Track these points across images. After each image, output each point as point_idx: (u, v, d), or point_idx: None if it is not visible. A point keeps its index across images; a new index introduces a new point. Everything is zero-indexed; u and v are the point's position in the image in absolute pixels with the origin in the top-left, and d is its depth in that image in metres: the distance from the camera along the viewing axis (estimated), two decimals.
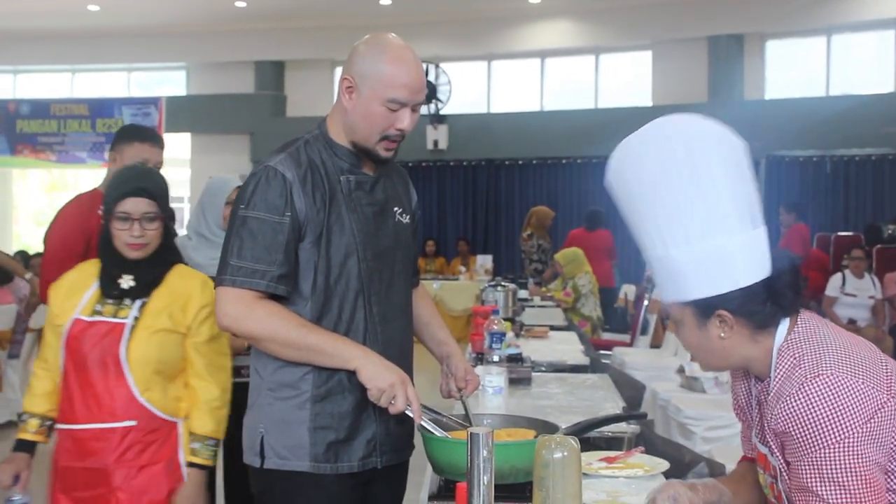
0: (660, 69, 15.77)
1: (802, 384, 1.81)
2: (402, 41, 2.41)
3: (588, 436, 2.96)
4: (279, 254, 2.28)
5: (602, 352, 7.36)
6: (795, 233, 10.60)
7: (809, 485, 1.80)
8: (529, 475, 1.84)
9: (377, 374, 2.24)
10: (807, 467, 1.80)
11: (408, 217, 2.57)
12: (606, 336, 9.58)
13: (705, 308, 1.92)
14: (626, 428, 3.12)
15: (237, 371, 4.27)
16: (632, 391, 4.68)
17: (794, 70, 15.40)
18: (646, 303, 9.41)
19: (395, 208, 2.52)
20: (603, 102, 16.19)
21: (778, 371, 1.90)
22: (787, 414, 1.82)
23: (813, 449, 1.78)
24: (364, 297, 2.39)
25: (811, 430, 1.78)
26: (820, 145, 14.28)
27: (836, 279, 9.57)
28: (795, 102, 14.48)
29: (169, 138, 16.85)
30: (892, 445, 1.82)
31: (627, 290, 11.13)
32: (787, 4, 14.42)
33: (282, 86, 17.59)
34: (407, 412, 2.25)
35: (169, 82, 18.75)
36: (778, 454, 1.91)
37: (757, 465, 2.08)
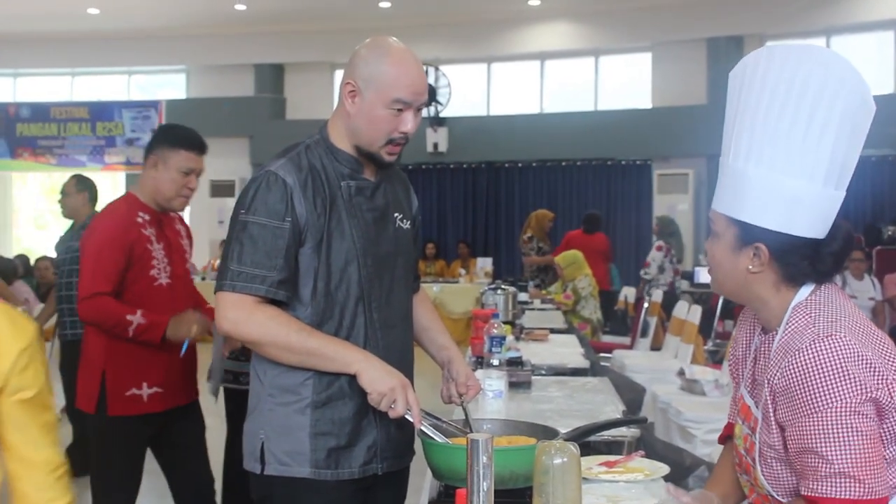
0: (659, 71, 15.77)
1: (814, 341, 1.80)
2: (402, 44, 2.41)
3: (588, 440, 2.96)
4: (279, 259, 2.28)
5: (602, 354, 7.36)
6: None
7: (811, 445, 1.78)
8: (529, 481, 1.84)
9: (377, 378, 2.24)
10: (809, 427, 1.78)
11: (408, 223, 2.57)
12: (607, 338, 9.60)
13: (750, 235, 1.91)
14: (626, 432, 3.11)
15: (236, 378, 4.27)
16: (632, 394, 4.68)
17: None
18: (646, 305, 9.42)
19: (396, 214, 2.52)
20: (602, 104, 16.19)
21: (789, 326, 1.89)
22: (793, 368, 1.81)
23: (817, 408, 1.77)
24: (364, 304, 2.38)
25: (816, 387, 1.77)
26: None
27: (830, 283, 9.57)
28: None
29: None
30: (892, 429, 1.82)
31: (627, 293, 11.13)
32: (787, 6, 14.42)
33: (281, 89, 17.59)
34: (407, 417, 2.25)
35: (169, 85, 18.74)
36: (770, 409, 1.89)
37: (738, 416, 2.07)
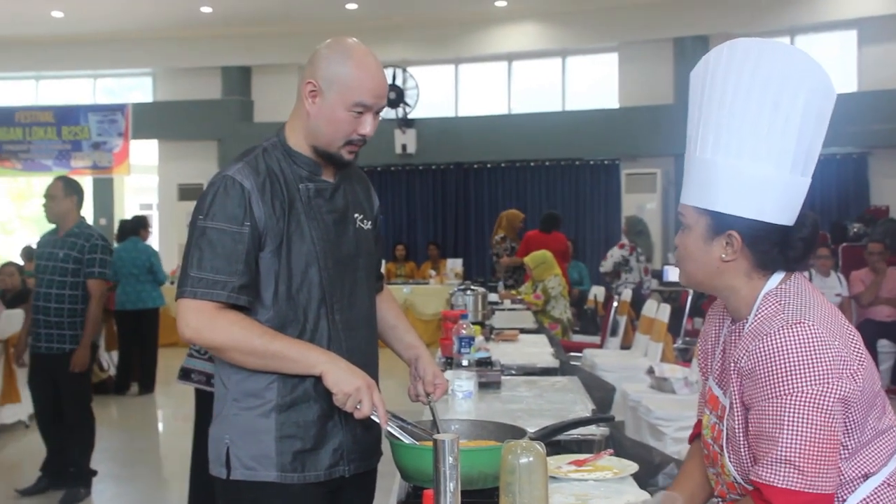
0: (626, 71, 15.84)
1: (782, 327, 1.82)
2: (364, 46, 2.40)
3: (558, 439, 2.96)
4: (239, 264, 2.26)
5: (573, 354, 7.38)
6: None
7: (766, 429, 1.80)
8: (498, 481, 1.84)
9: (343, 378, 2.22)
10: (768, 411, 1.80)
11: (369, 222, 2.56)
12: (577, 338, 9.62)
13: (721, 224, 1.92)
14: (595, 430, 3.12)
15: (208, 380, 4.25)
16: (602, 393, 4.69)
17: None
18: (615, 304, 9.46)
19: (356, 214, 2.51)
20: (570, 105, 16.25)
21: (759, 312, 1.91)
22: (760, 352, 1.82)
23: (777, 393, 1.78)
24: (327, 306, 2.37)
25: (781, 374, 1.78)
26: None
27: (800, 274, 9.63)
28: None
29: (136, 145, 16.60)
30: (856, 419, 1.84)
31: (597, 292, 11.16)
32: (752, 6, 14.55)
33: (249, 91, 17.52)
34: (373, 417, 2.23)
35: (135, 89, 18.62)
36: (735, 393, 1.90)
37: (705, 408, 2.09)
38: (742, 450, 1.92)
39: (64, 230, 5.82)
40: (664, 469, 3.51)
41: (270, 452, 2.32)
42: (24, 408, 7.74)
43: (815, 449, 1.76)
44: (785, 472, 1.77)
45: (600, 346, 9.18)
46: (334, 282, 2.39)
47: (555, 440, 2.90)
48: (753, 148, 1.88)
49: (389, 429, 2.27)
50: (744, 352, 1.88)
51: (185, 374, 4.37)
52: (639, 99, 15.34)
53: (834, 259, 10.12)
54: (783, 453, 1.77)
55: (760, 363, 1.82)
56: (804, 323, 1.82)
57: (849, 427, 1.84)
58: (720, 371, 2.05)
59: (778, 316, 1.87)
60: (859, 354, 1.86)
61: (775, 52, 1.91)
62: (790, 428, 1.77)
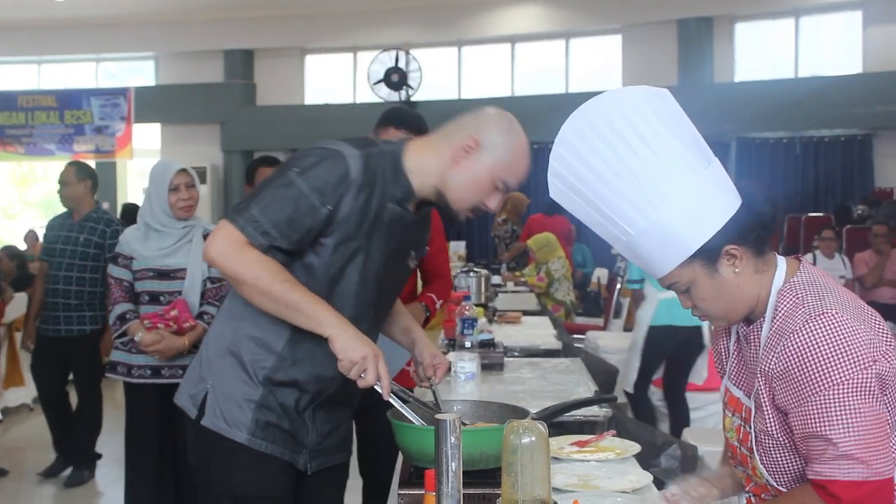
0: (630, 53, 15.79)
1: (806, 321, 1.81)
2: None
3: (561, 420, 2.97)
4: (297, 234, 2.23)
5: (576, 336, 7.38)
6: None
7: (816, 429, 1.78)
8: (500, 461, 1.84)
9: (350, 345, 2.20)
10: (812, 411, 1.78)
11: (414, 262, 2.55)
12: (580, 320, 9.62)
13: (712, 252, 1.90)
14: (598, 411, 3.13)
15: (129, 371, 4.25)
16: (605, 375, 4.70)
17: (763, 52, 15.47)
18: (619, 286, 9.46)
19: (412, 252, 2.51)
20: (574, 87, 16.20)
21: (778, 310, 1.90)
22: (789, 351, 1.81)
23: (817, 389, 1.77)
24: (353, 321, 2.32)
25: (815, 369, 1.77)
26: (789, 127, 14.37)
27: (806, 260, 9.63)
28: (765, 84, 14.55)
29: (138, 129, 16.55)
30: (893, 398, 1.83)
31: (600, 274, 11.16)
32: None
33: (251, 74, 17.47)
34: (376, 387, 2.22)
35: (138, 72, 18.59)
36: (764, 396, 1.89)
37: (725, 409, 2.08)
38: (774, 451, 1.91)
39: (80, 215, 5.81)
40: (666, 450, 3.52)
41: (247, 416, 2.33)
42: (28, 391, 7.76)
43: (870, 436, 1.76)
44: (847, 465, 1.76)
45: (603, 328, 9.18)
46: (368, 305, 2.39)
47: (557, 421, 2.91)
48: (667, 182, 1.85)
49: (391, 400, 2.26)
50: (772, 354, 1.86)
51: (112, 367, 4.37)
52: (642, 81, 14.84)
53: (838, 241, 10.10)
54: (842, 449, 1.76)
55: (793, 362, 1.81)
56: (827, 313, 1.80)
57: (888, 406, 1.83)
58: (737, 372, 2.04)
59: (799, 311, 1.85)
60: (885, 334, 1.84)
61: (597, 117, 1.92)
62: (840, 421, 1.76)
